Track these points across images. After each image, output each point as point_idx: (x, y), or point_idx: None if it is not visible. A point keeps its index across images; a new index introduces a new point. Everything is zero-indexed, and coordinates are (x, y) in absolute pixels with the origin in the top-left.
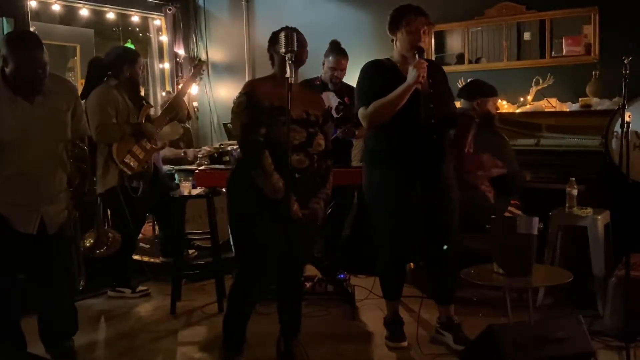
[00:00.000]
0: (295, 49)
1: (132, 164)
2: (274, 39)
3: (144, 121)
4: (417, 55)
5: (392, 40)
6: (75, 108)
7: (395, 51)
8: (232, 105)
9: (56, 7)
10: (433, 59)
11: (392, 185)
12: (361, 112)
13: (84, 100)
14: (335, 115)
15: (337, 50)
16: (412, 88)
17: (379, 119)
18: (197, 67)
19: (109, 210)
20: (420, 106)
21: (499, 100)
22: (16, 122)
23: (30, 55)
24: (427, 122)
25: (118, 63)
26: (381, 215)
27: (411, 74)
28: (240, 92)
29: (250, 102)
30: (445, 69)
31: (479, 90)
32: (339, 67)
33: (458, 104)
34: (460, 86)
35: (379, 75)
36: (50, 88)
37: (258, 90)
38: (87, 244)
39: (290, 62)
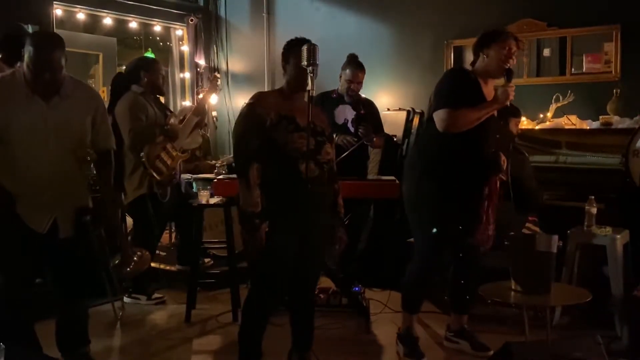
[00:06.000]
0: (317, 62)
1: (162, 169)
2: (290, 48)
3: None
4: (506, 77)
5: (477, 55)
6: (96, 117)
7: (480, 66)
8: None
9: (81, 16)
10: None
11: (444, 198)
12: (443, 112)
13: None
14: (351, 129)
15: (354, 64)
16: (498, 108)
17: (462, 126)
18: (213, 81)
19: (133, 219)
20: (490, 128)
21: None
22: (29, 119)
23: (39, 53)
24: (492, 144)
25: (136, 71)
26: (425, 227)
27: (502, 95)
28: (246, 102)
29: (250, 112)
30: None
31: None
32: (356, 80)
33: None
34: None
35: (464, 83)
36: (70, 92)
37: (263, 102)
38: (116, 262)
39: (311, 74)
